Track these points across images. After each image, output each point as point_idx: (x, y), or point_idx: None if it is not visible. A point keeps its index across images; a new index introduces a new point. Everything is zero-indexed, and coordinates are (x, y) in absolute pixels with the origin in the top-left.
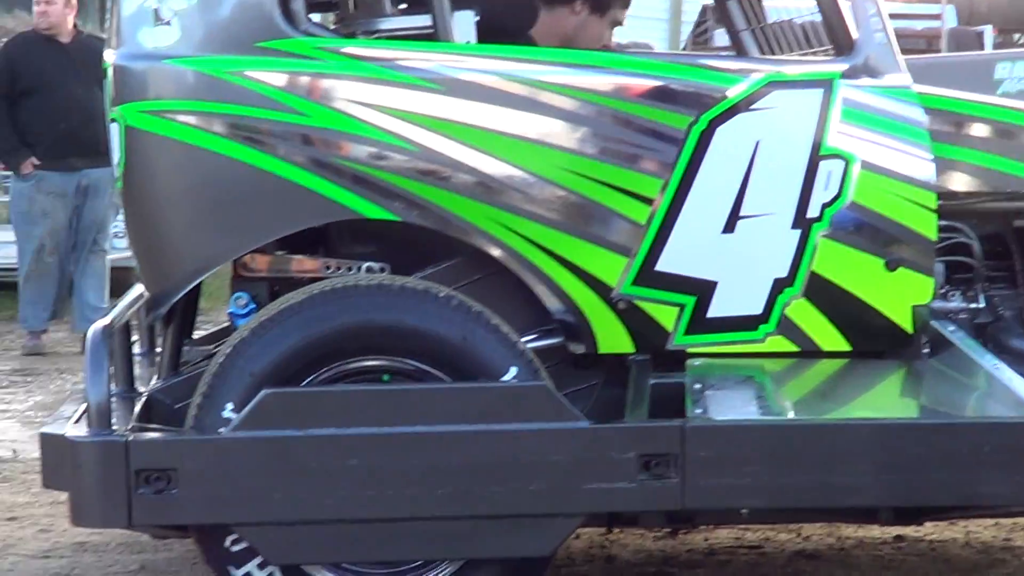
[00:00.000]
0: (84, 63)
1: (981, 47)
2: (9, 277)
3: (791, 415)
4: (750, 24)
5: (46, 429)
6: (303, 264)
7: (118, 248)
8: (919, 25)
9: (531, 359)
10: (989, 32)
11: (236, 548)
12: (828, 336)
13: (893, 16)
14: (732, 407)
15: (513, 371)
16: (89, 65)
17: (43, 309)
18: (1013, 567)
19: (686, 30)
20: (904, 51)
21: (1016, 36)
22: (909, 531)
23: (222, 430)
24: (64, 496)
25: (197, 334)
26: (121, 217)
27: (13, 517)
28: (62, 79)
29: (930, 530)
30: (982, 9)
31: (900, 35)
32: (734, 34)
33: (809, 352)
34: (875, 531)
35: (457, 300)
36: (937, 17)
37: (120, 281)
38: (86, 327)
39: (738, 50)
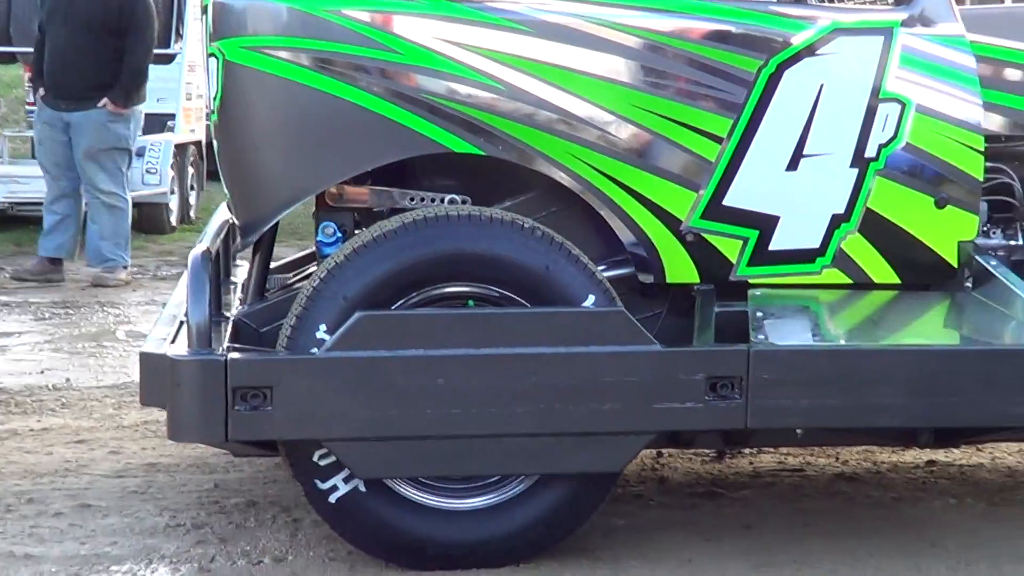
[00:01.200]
0: (72, 8)
1: None
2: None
3: (845, 341)
4: None
5: (145, 349)
6: (389, 196)
7: (149, 184)
8: None
9: (607, 287)
10: None
11: (324, 463)
12: (880, 269)
13: None
14: (791, 334)
15: (592, 298)
16: (76, 9)
17: (50, 237)
18: None
19: None
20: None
21: None
22: (940, 456)
23: (315, 350)
24: (129, 421)
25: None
26: (149, 156)
27: (81, 440)
28: (54, 22)
29: (959, 456)
30: None
31: None
32: None
33: (862, 284)
34: (907, 456)
35: (541, 231)
36: None
37: (149, 218)
38: (91, 263)
39: None
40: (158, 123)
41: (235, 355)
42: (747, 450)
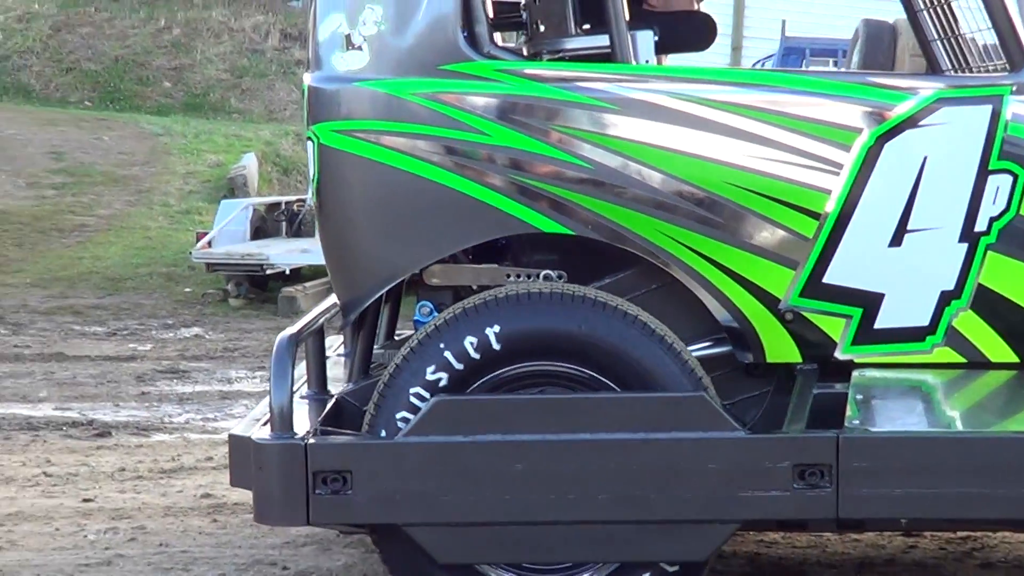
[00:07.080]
0: None
1: None
2: None
3: (951, 427)
4: (941, 35)
5: (235, 431)
6: (483, 273)
7: None
8: None
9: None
10: None
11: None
12: (996, 348)
13: None
14: (891, 418)
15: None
16: None
17: None
18: None
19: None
20: None
21: None
22: None
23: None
24: None
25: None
26: None
27: None
28: None
29: None
30: None
31: None
32: (924, 44)
33: (976, 363)
34: None
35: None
36: None
37: None
38: None
39: (928, 60)
40: None
41: (314, 439)
42: None
